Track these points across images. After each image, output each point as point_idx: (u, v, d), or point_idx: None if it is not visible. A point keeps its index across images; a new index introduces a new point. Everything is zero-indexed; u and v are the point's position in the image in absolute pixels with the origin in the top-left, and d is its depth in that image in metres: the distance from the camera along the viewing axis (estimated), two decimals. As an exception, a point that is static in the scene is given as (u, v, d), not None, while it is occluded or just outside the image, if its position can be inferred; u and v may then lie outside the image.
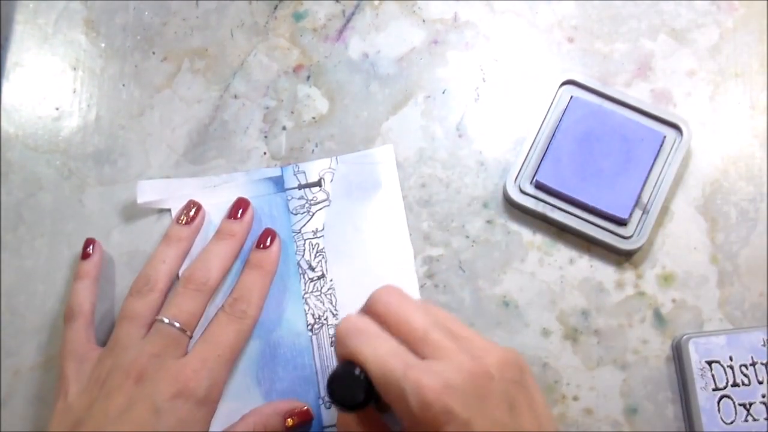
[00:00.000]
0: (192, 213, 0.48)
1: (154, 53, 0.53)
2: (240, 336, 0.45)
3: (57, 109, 0.53)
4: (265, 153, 0.51)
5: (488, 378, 0.35)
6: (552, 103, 0.49)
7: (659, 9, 0.52)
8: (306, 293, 0.48)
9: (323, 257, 0.48)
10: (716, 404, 0.44)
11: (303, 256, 0.48)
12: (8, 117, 0.53)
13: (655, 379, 0.46)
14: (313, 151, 0.51)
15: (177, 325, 0.44)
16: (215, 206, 0.49)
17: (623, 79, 0.51)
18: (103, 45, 0.54)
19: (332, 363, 0.46)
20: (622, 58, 0.51)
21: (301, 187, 0.50)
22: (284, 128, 0.51)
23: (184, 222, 0.48)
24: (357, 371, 0.36)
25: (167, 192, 0.49)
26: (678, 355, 0.45)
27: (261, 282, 0.46)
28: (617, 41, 0.51)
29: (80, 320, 0.46)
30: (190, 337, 0.45)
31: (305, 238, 0.49)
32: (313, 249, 0.48)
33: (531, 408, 0.36)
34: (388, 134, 0.51)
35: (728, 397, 0.44)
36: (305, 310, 0.47)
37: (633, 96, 0.49)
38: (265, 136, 0.51)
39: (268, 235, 0.47)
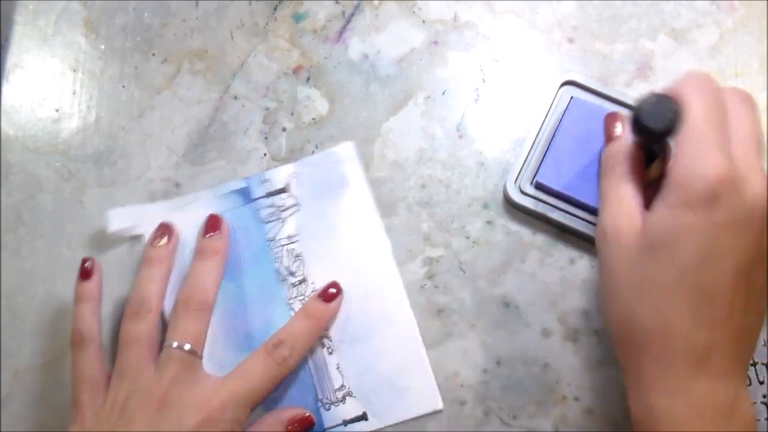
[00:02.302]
0: (166, 234, 0.48)
1: (154, 54, 0.53)
2: (273, 382, 0.44)
3: (57, 110, 0.53)
4: (265, 154, 0.51)
5: None
6: (552, 104, 0.49)
7: (659, 9, 0.52)
8: (291, 299, 0.48)
9: (302, 261, 0.48)
10: (717, 405, 0.43)
11: (282, 263, 0.48)
12: (8, 118, 0.53)
13: (656, 379, 0.46)
14: (313, 152, 0.51)
15: (187, 347, 0.44)
16: (186, 224, 0.49)
17: (623, 79, 0.51)
18: (102, 46, 0.54)
19: (328, 365, 0.46)
20: (622, 58, 0.51)
21: (268, 195, 0.50)
22: (284, 129, 0.51)
23: (159, 244, 0.48)
24: (675, 106, 0.36)
25: (137, 218, 0.49)
26: (679, 356, 0.45)
27: (308, 331, 0.45)
28: (617, 41, 0.51)
29: (92, 346, 0.45)
30: (201, 358, 0.45)
31: (281, 244, 0.49)
32: (290, 255, 0.48)
33: None
34: (388, 135, 0.51)
35: (729, 397, 0.44)
36: (292, 316, 0.47)
37: (633, 96, 0.49)
38: (265, 138, 0.51)
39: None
